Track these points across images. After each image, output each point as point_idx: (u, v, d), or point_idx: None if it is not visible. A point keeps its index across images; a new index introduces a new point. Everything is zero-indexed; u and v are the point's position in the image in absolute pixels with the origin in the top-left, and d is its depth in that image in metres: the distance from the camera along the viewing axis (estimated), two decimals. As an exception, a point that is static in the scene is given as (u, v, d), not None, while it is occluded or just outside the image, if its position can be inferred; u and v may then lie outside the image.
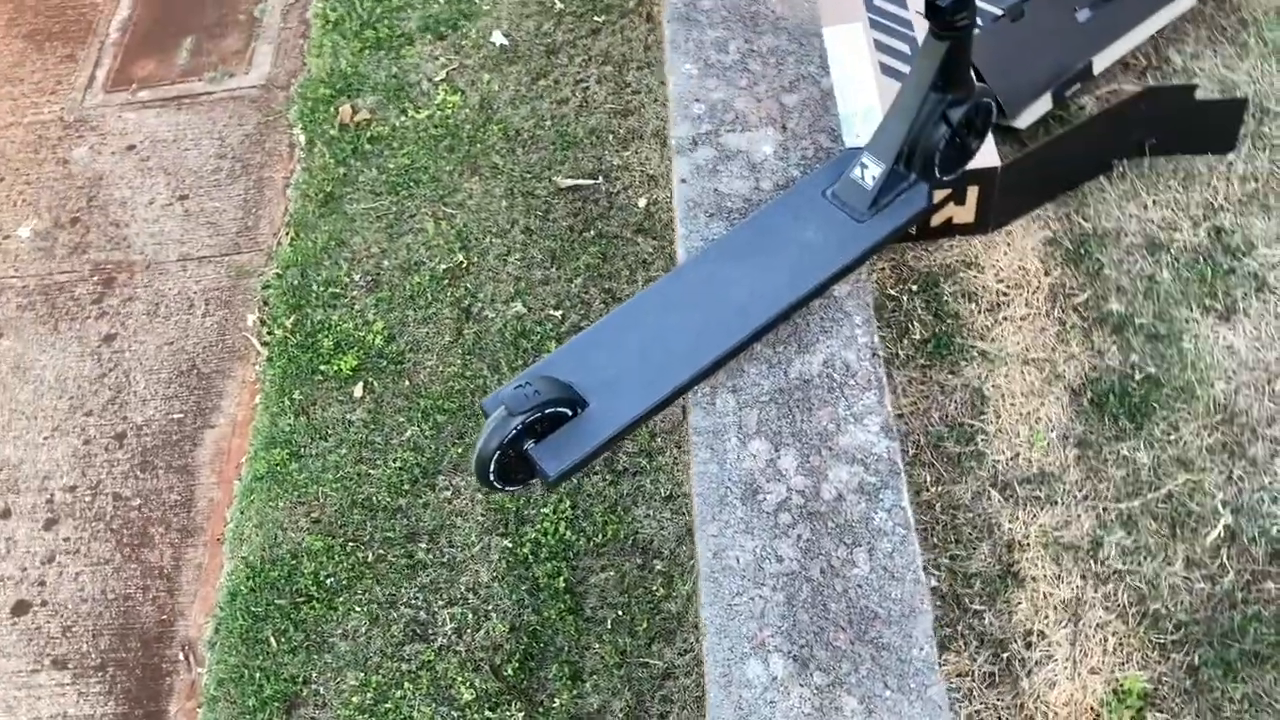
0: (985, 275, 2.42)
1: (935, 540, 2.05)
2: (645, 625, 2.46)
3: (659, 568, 2.55)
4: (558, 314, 2.94)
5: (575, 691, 2.43)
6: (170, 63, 3.72)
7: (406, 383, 2.90)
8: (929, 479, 2.13)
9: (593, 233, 3.06)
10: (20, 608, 2.74)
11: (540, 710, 2.41)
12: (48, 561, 2.81)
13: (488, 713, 2.42)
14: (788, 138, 2.00)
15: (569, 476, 1.69)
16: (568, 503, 2.64)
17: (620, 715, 2.39)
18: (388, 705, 2.46)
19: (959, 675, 1.90)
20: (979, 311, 2.36)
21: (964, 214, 2.40)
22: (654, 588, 2.52)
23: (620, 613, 2.49)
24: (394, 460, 2.77)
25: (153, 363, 3.11)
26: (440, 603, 2.57)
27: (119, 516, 2.86)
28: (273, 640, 2.58)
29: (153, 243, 3.34)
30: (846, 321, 1.79)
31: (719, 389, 1.75)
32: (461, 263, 3.07)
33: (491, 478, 1.66)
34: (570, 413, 1.68)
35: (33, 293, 3.28)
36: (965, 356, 2.30)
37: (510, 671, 2.45)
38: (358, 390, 2.92)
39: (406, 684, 2.48)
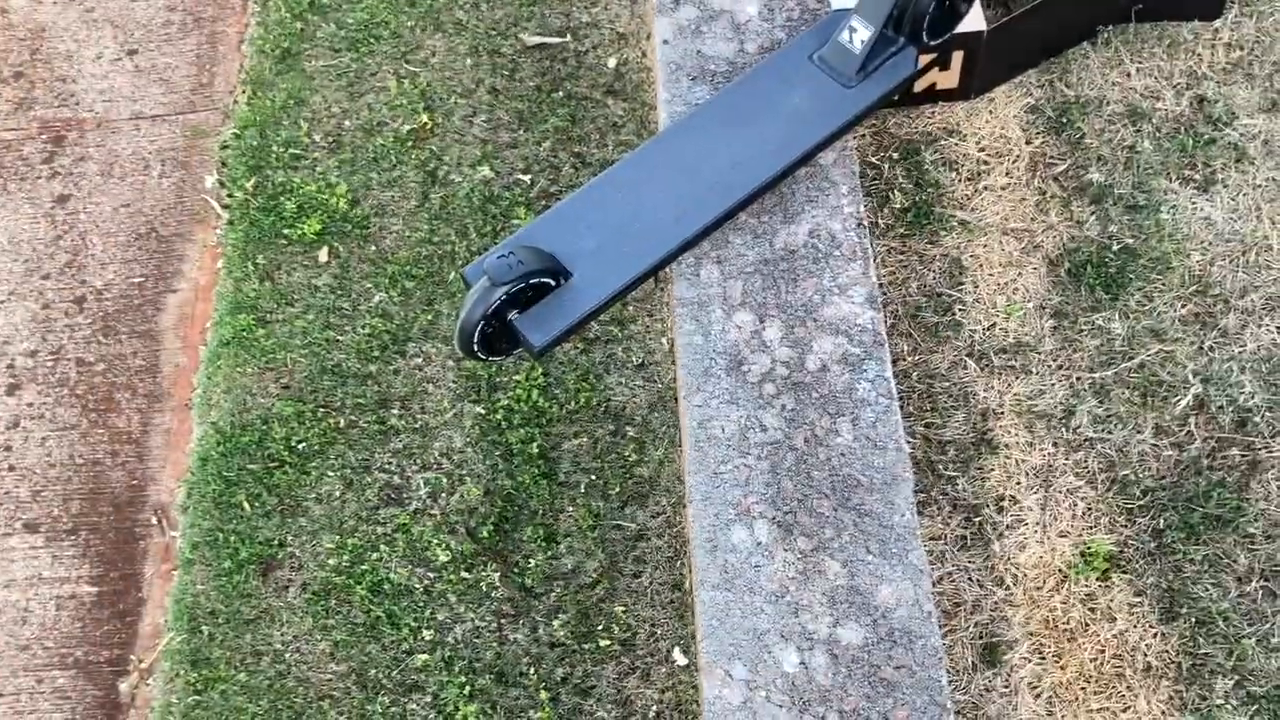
0: (966, 143, 2.40)
1: (911, 409, 2.08)
2: (618, 489, 2.49)
3: (631, 434, 2.57)
4: (526, 178, 2.89)
5: (550, 553, 2.47)
6: (113, -95, 3.53)
7: (373, 248, 2.86)
8: (906, 349, 2.14)
9: (561, 94, 2.99)
10: (-14, 473, 2.72)
11: (516, 570, 2.45)
12: (13, 426, 2.78)
13: (464, 573, 2.46)
14: (773, -2, 1.95)
15: (554, 347, 1.68)
16: (540, 370, 2.65)
17: (594, 574, 2.44)
18: (364, 567, 2.50)
19: (932, 539, 1.95)
20: (959, 180, 2.34)
21: (947, 79, 2.36)
22: (626, 453, 2.54)
23: (593, 477, 2.52)
24: (362, 327, 2.75)
25: (110, 225, 3.04)
26: (414, 468, 2.58)
27: (83, 382, 2.82)
28: (246, 504, 2.59)
29: (103, 100, 3.23)
30: (832, 190, 1.78)
31: (704, 259, 1.74)
32: (426, 124, 2.99)
33: (475, 348, 1.65)
34: (554, 283, 1.67)
35: (-21, 151, 3.17)
36: (945, 226, 2.30)
37: (485, 534, 2.49)
38: (323, 255, 2.87)
39: (383, 546, 2.51)
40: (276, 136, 3.06)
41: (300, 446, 2.64)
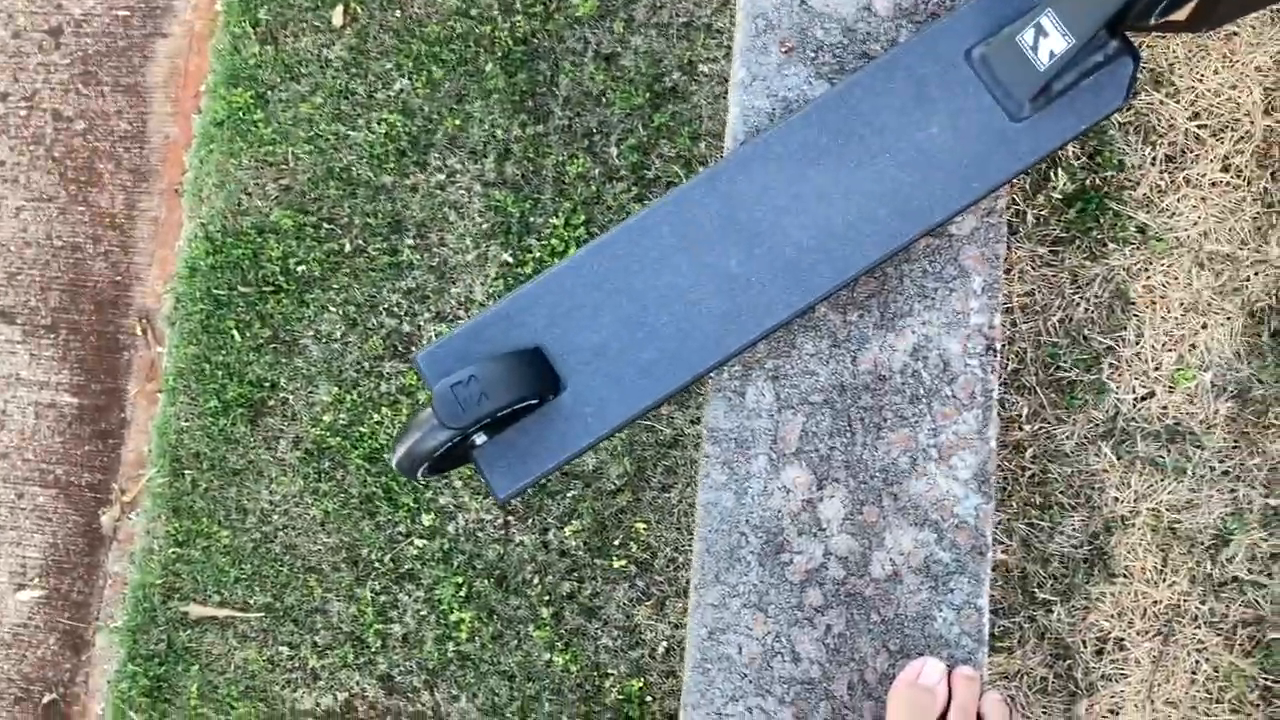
0: (1177, 101, 1.49)
1: (1016, 500, 1.51)
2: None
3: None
4: (600, -62, 2.14)
5: (569, 446, 2.08)
6: None
7: (397, 13, 2.20)
8: (1026, 410, 1.50)
9: None
10: (-40, 238, 2.32)
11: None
12: (-17, 188, 2.33)
13: (471, 455, 2.10)
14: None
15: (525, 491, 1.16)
16: (583, 215, 2.10)
17: (617, 482, 2.08)
18: (362, 429, 2.13)
19: (1004, 678, 1.48)
20: (1153, 160, 1.51)
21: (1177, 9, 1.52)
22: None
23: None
24: (379, 122, 2.17)
25: (85, -72, 2.37)
26: (427, 315, 2.13)
27: (61, 142, 2.32)
28: (236, 334, 2.19)
29: None
30: (959, 284, 1.13)
31: (753, 370, 1.16)
32: None
33: (419, 478, 1.14)
34: (537, 401, 1.12)
35: None
36: (1118, 232, 1.51)
37: (499, 413, 2.08)
38: (337, 16, 2.22)
39: (384, 408, 2.13)
40: None
41: (299, 270, 2.18)
